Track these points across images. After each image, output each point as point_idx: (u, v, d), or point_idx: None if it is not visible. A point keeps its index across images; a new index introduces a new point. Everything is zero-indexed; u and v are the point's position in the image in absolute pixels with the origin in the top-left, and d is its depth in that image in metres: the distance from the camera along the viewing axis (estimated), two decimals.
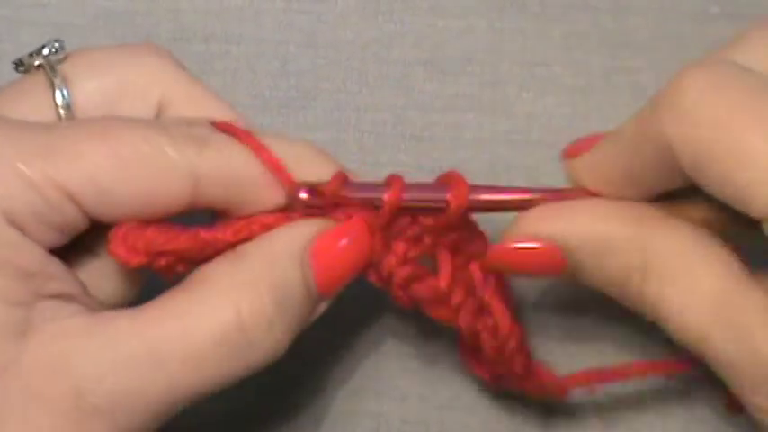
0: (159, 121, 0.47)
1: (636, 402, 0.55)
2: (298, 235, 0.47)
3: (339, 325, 0.54)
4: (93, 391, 0.43)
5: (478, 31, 0.57)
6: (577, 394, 0.54)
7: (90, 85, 0.48)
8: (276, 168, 0.47)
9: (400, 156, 0.56)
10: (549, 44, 0.57)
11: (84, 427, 0.43)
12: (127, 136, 0.45)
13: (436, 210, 0.48)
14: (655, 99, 0.45)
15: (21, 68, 0.49)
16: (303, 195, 0.47)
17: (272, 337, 0.46)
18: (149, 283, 0.48)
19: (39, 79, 0.48)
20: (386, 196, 0.47)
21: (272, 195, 0.47)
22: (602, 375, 0.50)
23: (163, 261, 0.46)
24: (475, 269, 0.50)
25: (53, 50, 0.48)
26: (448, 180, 0.48)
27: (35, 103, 0.47)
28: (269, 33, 0.57)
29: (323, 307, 0.48)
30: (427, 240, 0.49)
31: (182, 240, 0.46)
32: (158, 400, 0.44)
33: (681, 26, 0.56)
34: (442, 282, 0.49)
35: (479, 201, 0.48)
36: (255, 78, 0.57)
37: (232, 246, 0.47)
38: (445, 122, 0.57)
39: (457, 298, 0.49)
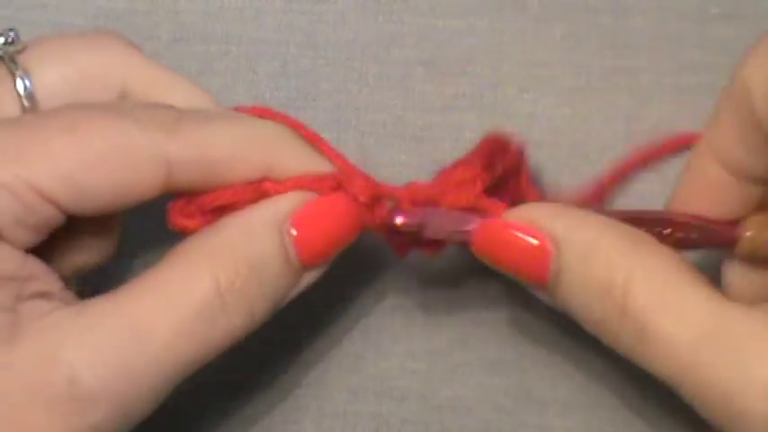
0: (127, 108, 0.46)
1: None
2: (276, 206, 0.47)
3: (339, 325, 0.54)
4: (85, 377, 0.43)
5: (478, 31, 0.57)
6: (577, 394, 0.54)
7: (51, 75, 0.48)
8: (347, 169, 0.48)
9: (400, 156, 0.56)
10: (549, 44, 0.57)
11: (83, 415, 0.43)
12: (97, 128, 0.45)
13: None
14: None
15: None
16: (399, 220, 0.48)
17: (248, 307, 0.46)
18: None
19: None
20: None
21: (247, 173, 0.47)
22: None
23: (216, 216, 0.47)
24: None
25: (9, 40, 0.48)
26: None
27: None
28: (269, 33, 0.57)
29: (311, 278, 0.48)
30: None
31: (231, 193, 0.47)
32: (149, 375, 0.44)
33: (681, 26, 0.56)
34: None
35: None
36: (255, 79, 0.57)
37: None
38: (445, 122, 0.56)
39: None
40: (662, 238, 0.47)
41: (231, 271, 0.46)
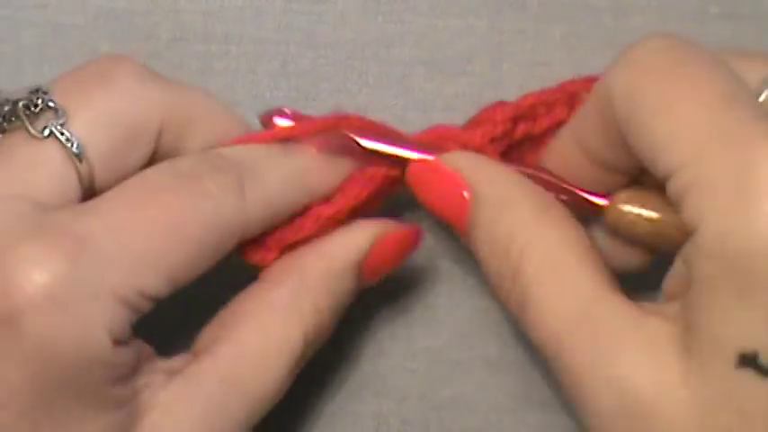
0: (195, 176, 0.47)
1: None
2: (355, 246, 0.50)
3: (339, 325, 0.54)
4: None
5: (478, 31, 0.57)
6: None
7: (97, 137, 0.47)
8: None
9: None
10: (549, 44, 0.57)
11: None
12: (193, 227, 0.46)
13: None
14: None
15: (8, 115, 0.47)
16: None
17: (325, 339, 0.50)
18: None
19: (49, 146, 0.47)
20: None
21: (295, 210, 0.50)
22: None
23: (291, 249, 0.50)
24: None
25: (44, 103, 0.47)
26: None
27: (53, 173, 0.47)
28: (269, 33, 0.57)
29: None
30: None
31: (306, 229, 0.50)
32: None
33: (681, 26, 0.56)
34: None
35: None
36: (255, 78, 0.57)
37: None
38: (445, 122, 0.56)
39: None
40: None
41: (318, 323, 0.49)
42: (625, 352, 0.43)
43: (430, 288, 0.56)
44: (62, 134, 0.46)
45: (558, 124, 0.51)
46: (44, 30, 0.56)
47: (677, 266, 0.44)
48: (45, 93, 0.47)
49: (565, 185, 0.50)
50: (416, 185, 0.50)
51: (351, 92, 0.57)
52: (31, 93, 0.47)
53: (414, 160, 0.50)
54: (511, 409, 0.55)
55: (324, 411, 0.55)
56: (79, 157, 0.46)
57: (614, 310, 0.44)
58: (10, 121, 0.47)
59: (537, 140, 0.52)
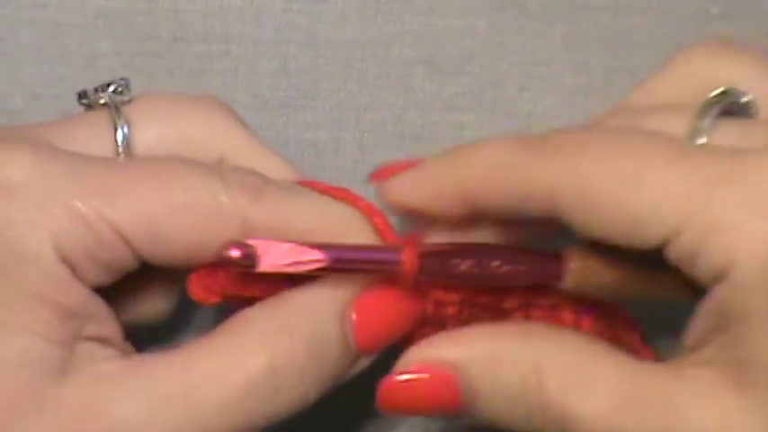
0: (216, 167, 0.47)
1: None
2: (341, 289, 0.47)
3: None
4: None
5: (478, 31, 0.57)
6: None
7: (151, 131, 0.48)
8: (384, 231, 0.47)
9: (400, 156, 0.56)
10: (549, 44, 0.57)
11: None
12: (183, 180, 0.45)
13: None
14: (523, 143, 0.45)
15: (83, 101, 0.49)
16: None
17: (302, 388, 0.46)
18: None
19: (101, 116, 0.48)
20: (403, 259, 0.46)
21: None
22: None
23: (235, 300, 0.47)
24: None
25: (119, 89, 0.49)
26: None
27: (94, 135, 0.48)
28: (269, 33, 0.57)
29: (365, 362, 0.48)
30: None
31: (255, 289, 0.47)
32: None
33: (681, 26, 0.56)
34: None
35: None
36: (255, 78, 0.57)
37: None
38: (445, 122, 0.57)
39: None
40: (493, 270, 0.46)
41: (288, 351, 0.45)
42: (684, 410, 0.43)
43: None
44: (116, 109, 0.48)
45: None
46: (44, 30, 0.56)
47: (702, 315, 0.44)
48: (123, 79, 0.49)
49: (520, 251, 0.47)
50: (394, 407, 0.47)
51: (351, 92, 0.57)
52: (120, 79, 0.49)
53: (381, 387, 0.47)
54: None
55: (323, 411, 0.55)
56: (124, 136, 0.47)
57: (654, 375, 0.44)
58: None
59: None
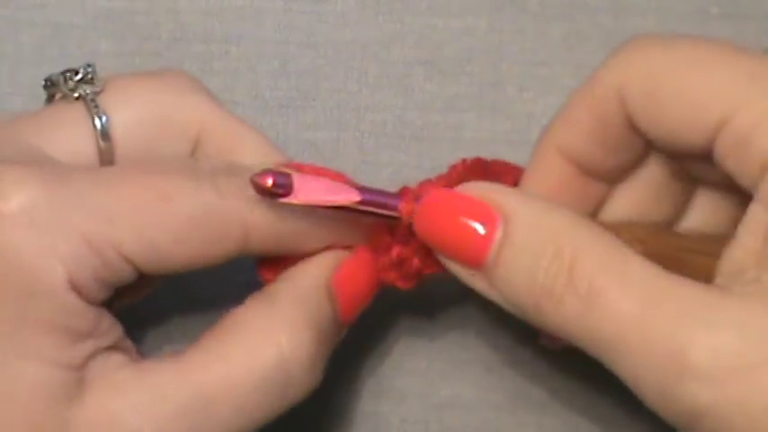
0: (208, 172, 0.47)
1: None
2: (323, 268, 0.48)
3: None
4: None
5: (478, 31, 0.57)
6: (577, 393, 0.54)
7: (128, 118, 0.48)
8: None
9: (400, 156, 0.56)
10: (549, 44, 0.57)
11: None
12: (186, 200, 0.45)
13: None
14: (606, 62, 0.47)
15: (50, 88, 0.49)
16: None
17: (311, 375, 0.47)
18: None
19: (76, 108, 0.48)
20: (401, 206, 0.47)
21: (318, 243, 0.48)
22: None
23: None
24: None
25: (88, 76, 0.48)
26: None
27: (73, 133, 0.47)
28: (269, 33, 0.57)
29: (343, 334, 0.49)
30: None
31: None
32: None
33: (681, 26, 0.56)
34: None
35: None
36: (255, 78, 0.57)
37: None
38: (445, 122, 0.57)
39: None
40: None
41: (294, 343, 0.46)
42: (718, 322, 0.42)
43: (429, 288, 0.56)
44: (92, 101, 0.47)
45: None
46: (44, 30, 0.56)
47: (744, 234, 0.43)
48: (89, 65, 0.48)
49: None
50: (430, 221, 0.47)
51: (351, 92, 0.57)
52: (82, 67, 0.49)
53: (429, 195, 0.47)
54: (510, 409, 0.55)
55: (322, 411, 0.55)
56: (103, 128, 0.47)
57: (686, 283, 0.43)
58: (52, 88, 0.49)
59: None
